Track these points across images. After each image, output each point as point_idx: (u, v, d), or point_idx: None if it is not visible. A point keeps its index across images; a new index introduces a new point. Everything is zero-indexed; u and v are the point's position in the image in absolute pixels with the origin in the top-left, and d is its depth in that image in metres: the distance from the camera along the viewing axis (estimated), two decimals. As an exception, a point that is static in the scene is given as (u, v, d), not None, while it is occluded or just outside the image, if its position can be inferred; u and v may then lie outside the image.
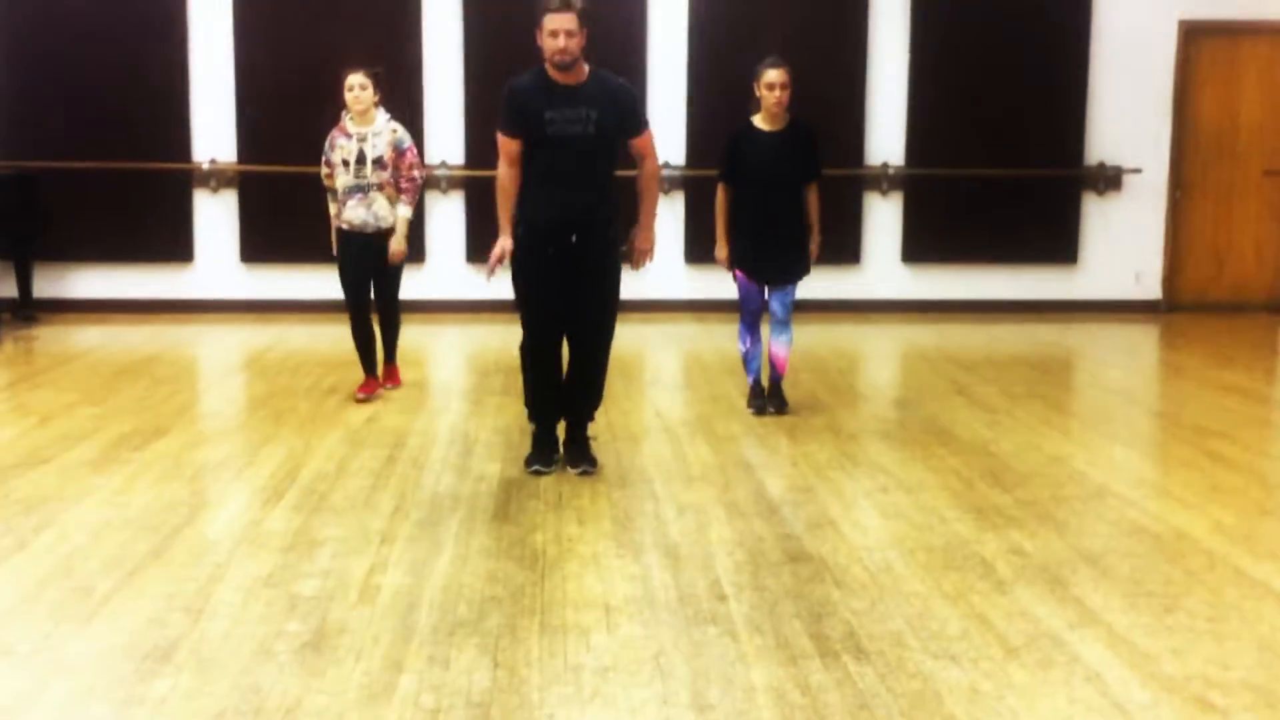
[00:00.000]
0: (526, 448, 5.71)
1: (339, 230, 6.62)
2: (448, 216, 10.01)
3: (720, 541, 4.43)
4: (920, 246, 10.27)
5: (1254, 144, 10.45)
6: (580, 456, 5.37)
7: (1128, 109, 10.24)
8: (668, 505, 4.87)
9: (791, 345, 6.50)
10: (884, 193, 10.22)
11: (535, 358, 5.32)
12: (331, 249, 6.75)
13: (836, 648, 3.52)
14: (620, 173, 5.29)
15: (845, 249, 10.17)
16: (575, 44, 4.97)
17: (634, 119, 5.21)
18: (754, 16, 9.72)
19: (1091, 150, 10.28)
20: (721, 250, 6.36)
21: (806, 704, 3.19)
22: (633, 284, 10.22)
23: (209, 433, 6.06)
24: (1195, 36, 10.26)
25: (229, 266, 9.95)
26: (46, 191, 9.60)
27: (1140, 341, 9.44)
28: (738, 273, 6.40)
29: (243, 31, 9.68)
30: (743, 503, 4.90)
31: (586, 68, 5.09)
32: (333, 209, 6.64)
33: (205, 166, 9.82)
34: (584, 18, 4.99)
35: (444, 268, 10.04)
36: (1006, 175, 10.13)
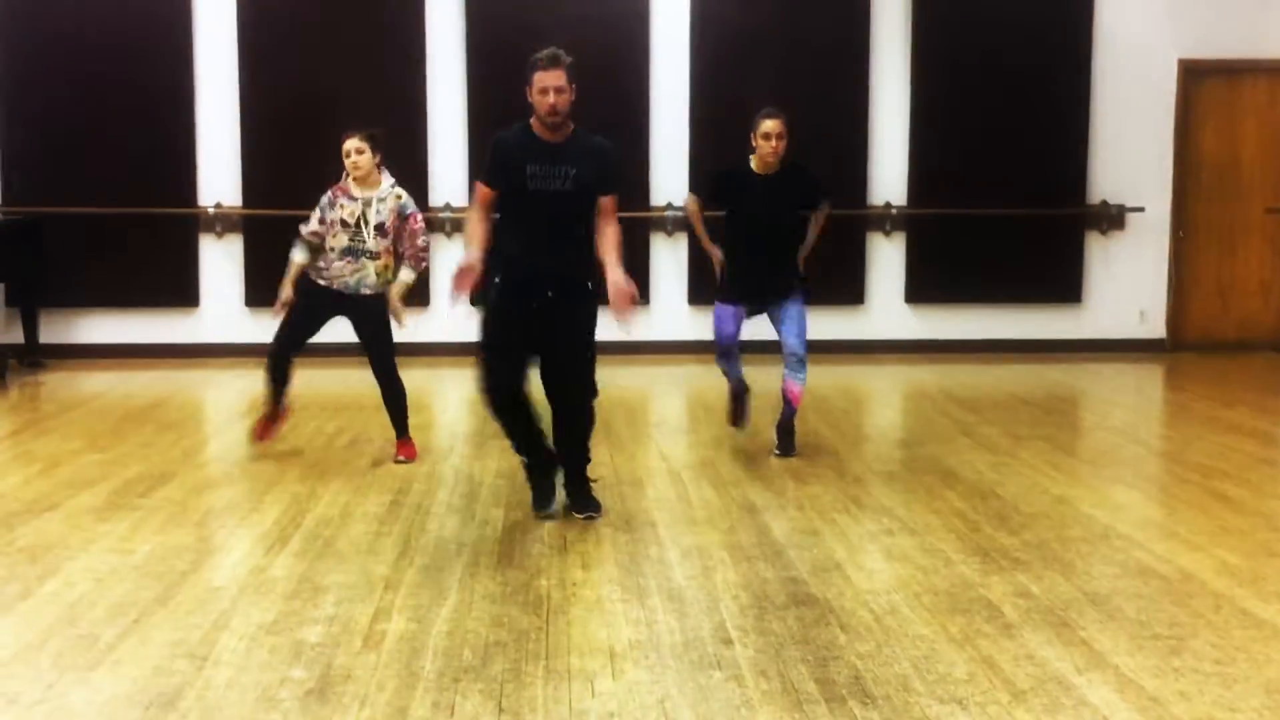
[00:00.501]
0: (530, 491, 5.73)
1: (310, 282, 6.28)
2: (452, 259, 9.98)
3: (725, 585, 4.42)
4: (923, 286, 10.30)
5: (1256, 182, 10.49)
6: (583, 503, 5.37)
7: (1130, 148, 10.29)
8: (672, 549, 4.87)
9: (806, 383, 6.50)
10: (887, 233, 10.26)
11: (498, 406, 5.32)
12: (279, 291, 6.35)
13: (843, 692, 3.50)
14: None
15: (849, 289, 10.21)
16: (564, 100, 5.04)
17: (609, 179, 5.20)
18: (755, 60, 9.80)
19: (1094, 189, 10.33)
20: (716, 253, 6.48)
21: (813, 750, 3.17)
22: (637, 325, 10.26)
23: (214, 478, 6.06)
24: (1195, 76, 10.32)
25: (234, 311, 9.99)
26: (52, 237, 9.66)
27: (1145, 381, 9.43)
28: (716, 307, 6.46)
29: (248, 77, 9.77)
30: (747, 546, 4.89)
31: (571, 125, 5.16)
32: (299, 255, 6.29)
33: (210, 211, 9.88)
34: (573, 74, 5.05)
35: (447, 311, 10.04)
36: (1009, 215, 10.17)
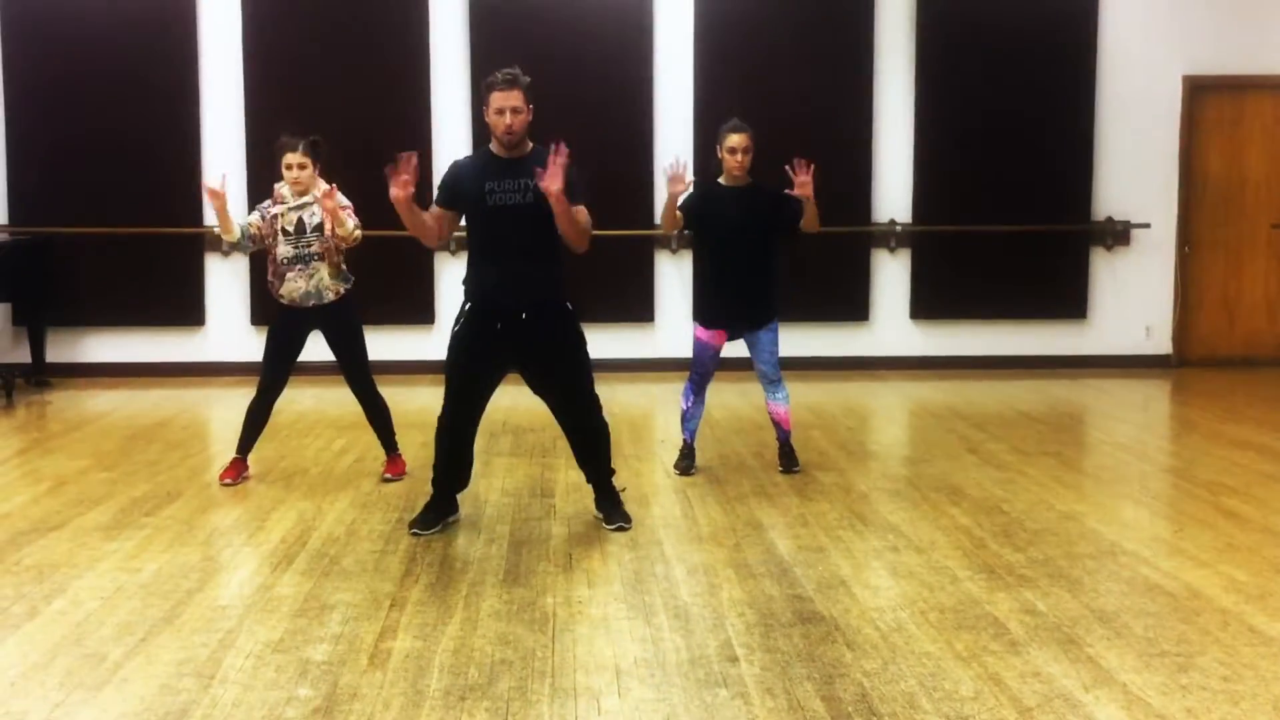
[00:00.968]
0: (537, 510, 5.74)
1: (278, 308, 6.22)
2: (456, 279, 10.03)
3: (731, 603, 4.41)
4: (929, 303, 10.30)
5: (1261, 198, 10.50)
6: (612, 515, 5.44)
7: (1134, 164, 10.30)
8: (678, 566, 4.86)
9: (789, 401, 6.51)
10: (892, 250, 10.27)
11: (451, 434, 5.36)
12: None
13: (849, 710, 3.50)
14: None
15: (854, 306, 10.22)
16: (520, 121, 5.09)
17: (572, 189, 5.15)
18: (760, 79, 9.82)
19: (1099, 205, 10.33)
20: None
21: (819, 768, 3.16)
22: (641, 344, 10.28)
23: (220, 497, 6.06)
24: (1200, 92, 10.34)
25: (240, 330, 10.02)
26: (59, 257, 9.70)
27: (1151, 397, 9.42)
28: (696, 331, 6.42)
29: (254, 96, 9.81)
30: (753, 563, 4.89)
31: (530, 144, 5.20)
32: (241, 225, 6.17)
33: (216, 230, 9.86)
34: (529, 94, 5.11)
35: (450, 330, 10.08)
36: (1014, 231, 10.17)
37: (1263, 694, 3.61)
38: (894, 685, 3.67)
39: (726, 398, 8.37)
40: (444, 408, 5.35)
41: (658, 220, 9.58)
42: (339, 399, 8.26)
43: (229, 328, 10.03)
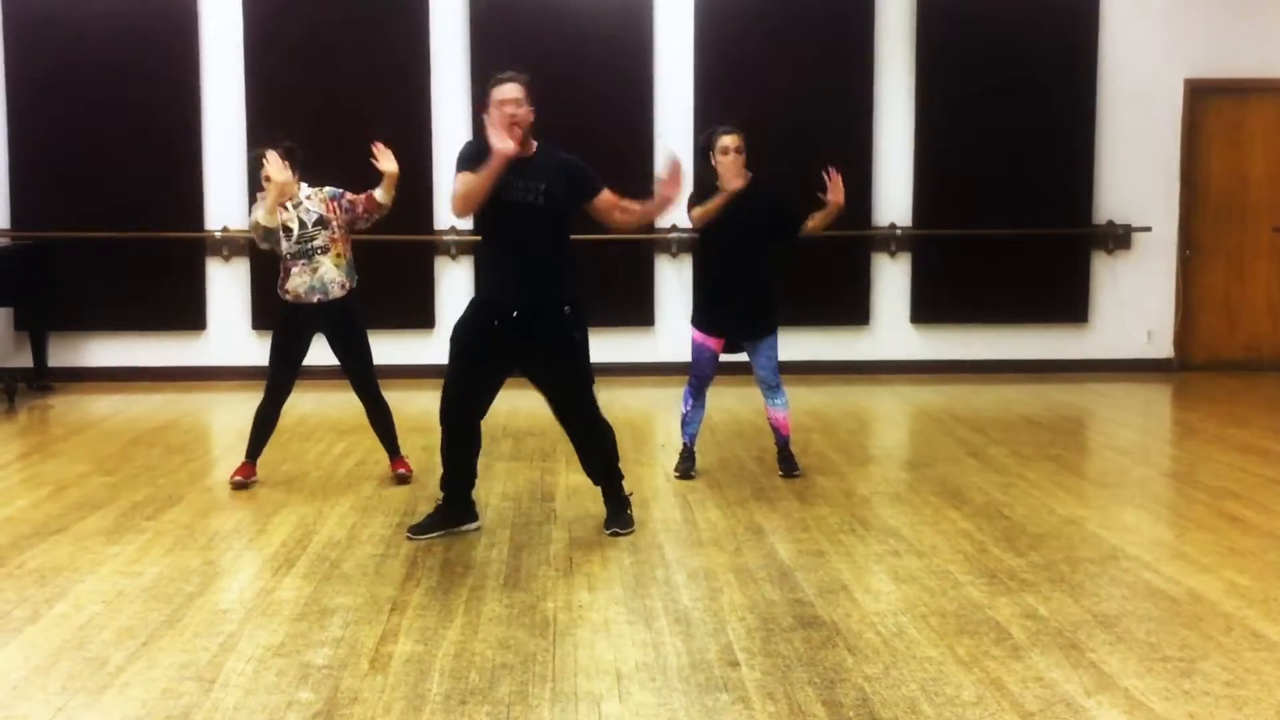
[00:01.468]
0: (538, 514, 5.74)
1: (284, 304, 6.21)
2: (457, 281, 10.07)
3: (732, 607, 4.41)
4: (929, 307, 10.30)
5: (1263, 201, 10.50)
6: (613, 518, 5.44)
7: (1136, 168, 10.31)
8: (679, 571, 4.86)
9: (789, 407, 6.51)
10: (892, 254, 10.28)
11: (453, 431, 5.33)
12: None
13: (850, 714, 3.49)
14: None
15: (854, 310, 10.22)
16: (524, 114, 5.06)
17: (586, 183, 5.22)
18: (759, 84, 9.82)
19: (1100, 209, 10.33)
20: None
21: (820, 773, 3.16)
22: (641, 348, 10.28)
23: (221, 501, 6.07)
24: (1202, 96, 10.34)
25: (241, 334, 10.02)
26: (60, 262, 9.70)
27: (1153, 401, 9.42)
28: (694, 334, 6.40)
29: (255, 100, 9.81)
30: (754, 567, 4.88)
31: (535, 142, 5.18)
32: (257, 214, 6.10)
33: (217, 235, 9.92)
34: (532, 91, 5.09)
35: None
36: (1015, 235, 10.17)
37: (1266, 699, 3.60)
38: (895, 690, 3.67)
39: (726, 402, 8.37)
40: (443, 402, 5.31)
41: (677, 231, 9.61)
42: (340, 403, 8.27)
43: (230, 332, 10.03)
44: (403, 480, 6.35)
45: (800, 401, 7.51)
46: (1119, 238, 10.35)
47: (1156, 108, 10.28)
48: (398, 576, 4.78)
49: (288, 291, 6.19)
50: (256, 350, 9.92)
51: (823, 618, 4.29)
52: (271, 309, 9.88)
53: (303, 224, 6.15)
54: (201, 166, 9.89)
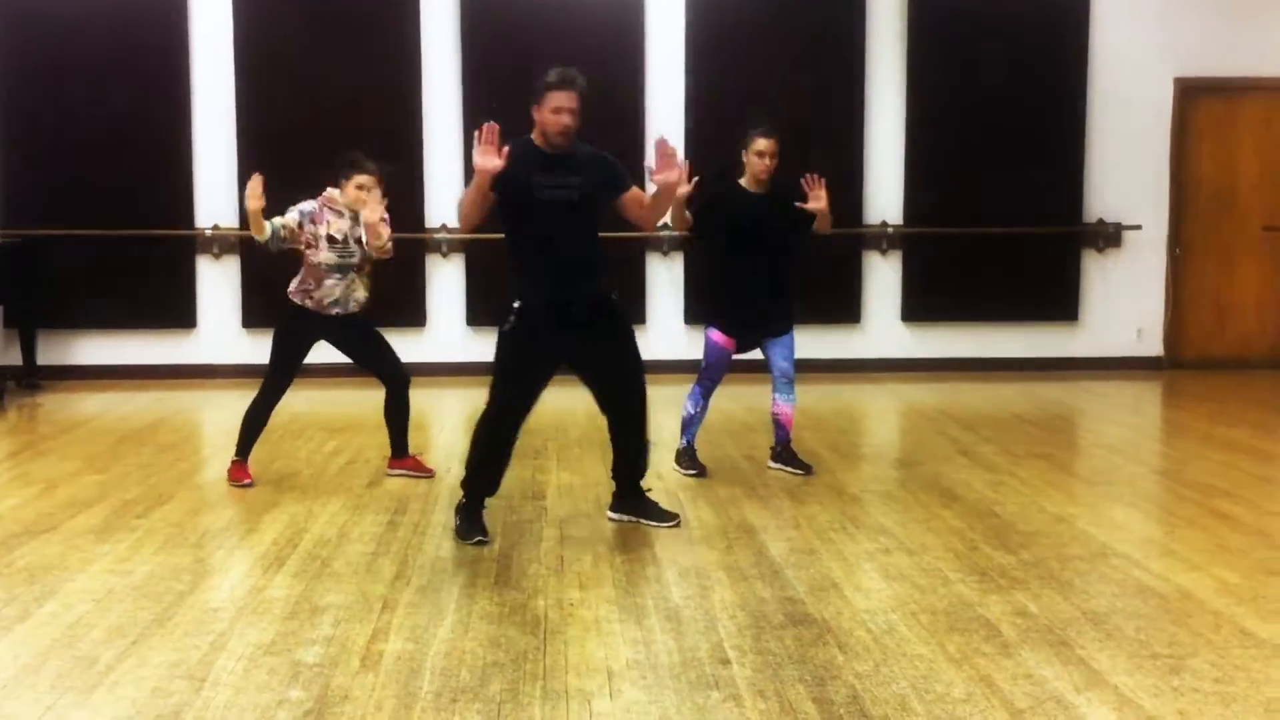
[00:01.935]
0: (528, 512, 5.73)
1: (299, 309, 6.17)
2: (448, 280, 10.07)
3: (723, 605, 4.41)
4: (920, 305, 10.32)
5: (1252, 200, 10.53)
6: (661, 511, 5.49)
7: (1126, 166, 10.33)
8: (670, 569, 4.86)
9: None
10: (883, 252, 10.29)
11: (500, 438, 5.28)
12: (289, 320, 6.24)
13: (840, 712, 3.50)
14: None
15: (845, 308, 10.24)
16: (576, 121, 5.08)
17: (619, 177, 5.28)
18: (751, 80, 9.83)
19: (1090, 207, 10.36)
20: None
21: (811, 770, 3.16)
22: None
23: (212, 499, 6.05)
24: (1191, 94, 10.37)
25: (231, 332, 10.01)
26: (50, 259, 9.68)
27: (1143, 399, 9.44)
28: (714, 335, 6.40)
29: (245, 99, 9.80)
30: (745, 566, 4.89)
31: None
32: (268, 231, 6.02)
33: (208, 232, 9.90)
34: (584, 97, 5.11)
35: (445, 331, 10.10)
36: (1006, 233, 10.19)
37: (1254, 696, 3.62)
38: (886, 687, 3.67)
39: (717, 400, 8.35)
40: (493, 409, 5.23)
41: (668, 229, 9.61)
42: (331, 401, 8.27)
43: (220, 330, 10.02)
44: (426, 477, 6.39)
45: (791, 399, 7.51)
46: (1109, 236, 10.38)
47: (1147, 106, 10.31)
48: (389, 575, 4.78)
49: (311, 298, 6.15)
50: (247, 348, 9.93)
51: (813, 615, 4.29)
52: (262, 307, 9.89)
53: (347, 237, 6.15)
54: (192, 164, 9.88)
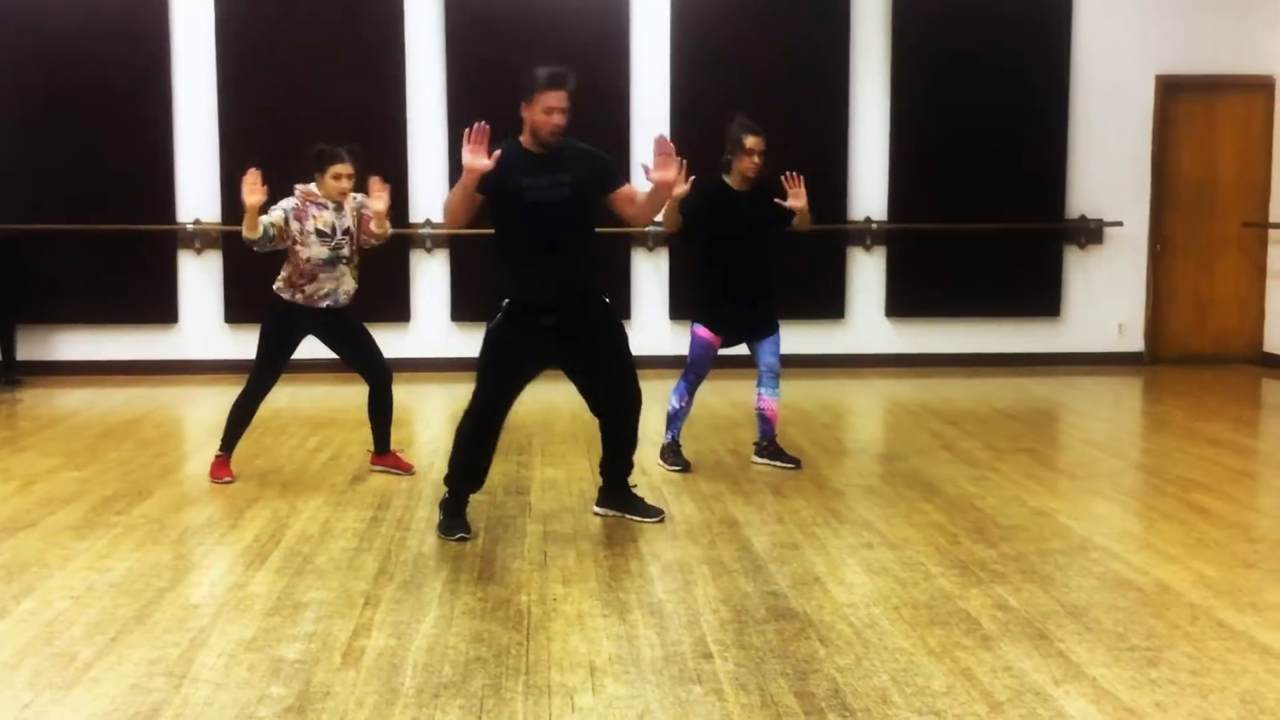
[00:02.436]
0: (512, 507, 5.73)
1: (287, 304, 6.12)
2: (432, 275, 10.06)
3: (706, 599, 4.42)
4: (904, 301, 10.34)
5: (1232, 196, 10.58)
6: (647, 506, 5.50)
7: (1107, 163, 10.37)
8: (653, 564, 4.87)
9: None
10: (867, 248, 10.31)
11: (483, 433, 5.26)
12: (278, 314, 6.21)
13: (822, 705, 3.51)
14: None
15: (829, 304, 10.26)
16: (565, 120, 5.07)
17: (612, 174, 5.27)
18: (736, 76, 9.83)
19: (1072, 204, 10.40)
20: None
21: (792, 764, 3.17)
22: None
23: (193, 495, 6.03)
24: (1172, 91, 10.41)
25: (213, 327, 9.97)
26: (30, 254, 9.64)
27: (1123, 394, 9.48)
28: (700, 332, 6.41)
29: (226, 92, 9.76)
30: (728, 560, 4.90)
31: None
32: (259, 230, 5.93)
33: (189, 227, 9.86)
34: (573, 94, 5.10)
35: (429, 327, 10.09)
36: (989, 229, 10.22)
37: (1230, 687, 3.64)
38: (867, 680, 3.68)
39: (701, 395, 8.36)
40: (476, 407, 5.22)
41: (654, 225, 9.60)
42: (313, 397, 8.25)
43: (202, 326, 9.98)
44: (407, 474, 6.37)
45: (774, 395, 7.52)
46: (1091, 232, 10.42)
47: (1128, 104, 10.35)
48: (371, 571, 4.77)
49: (301, 293, 6.11)
50: (229, 344, 9.90)
51: (796, 609, 4.30)
52: (245, 302, 9.86)
53: (336, 230, 6.11)
54: (173, 158, 9.84)
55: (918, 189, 10.19)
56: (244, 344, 9.88)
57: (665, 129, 9.81)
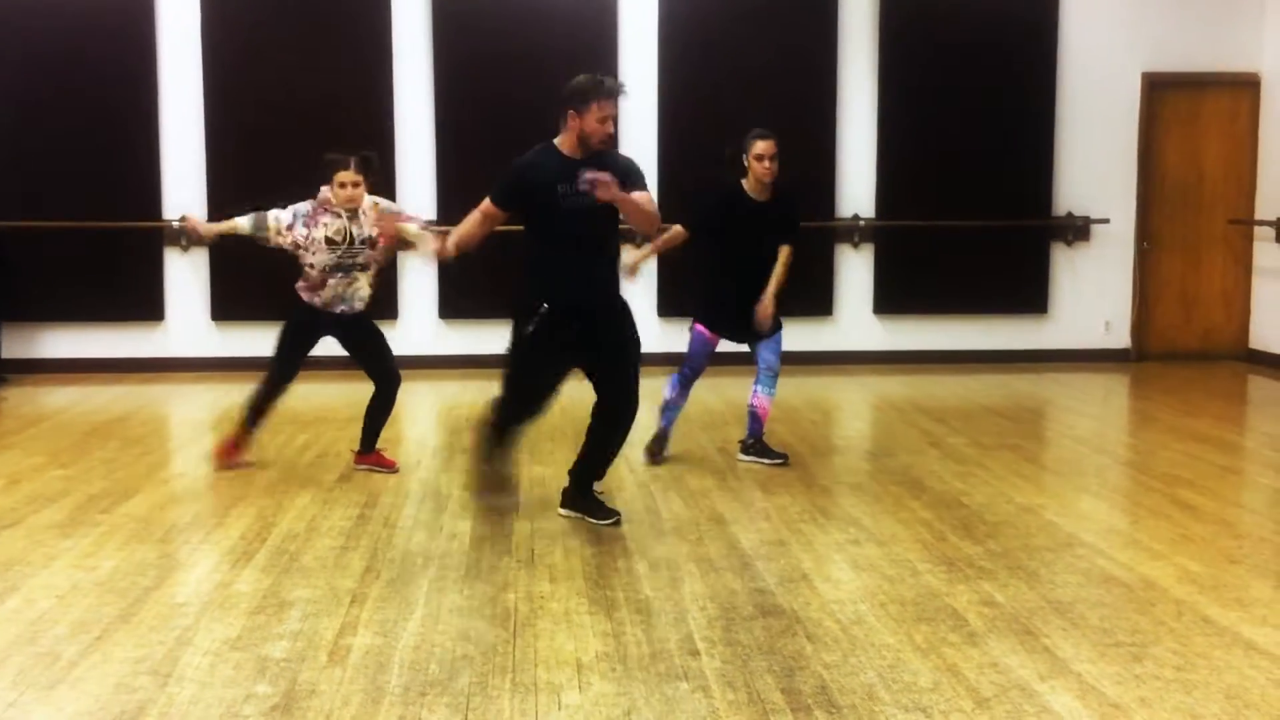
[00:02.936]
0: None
1: (307, 305, 6.20)
2: (420, 273, 10.03)
3: (693, 596, 4.42)
4: (892, 298, 10.35)
5: (1218, 193, 10.61)
6: (605, 510, 5.46)
7: (1094, 160, 10.40)
8: (640, 561, 4.87)
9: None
10: (855, 245, 10.32)
11: (515, 432, 5.36)
12: (197, 227, 6.45)
13: (809, 702, 3.51)
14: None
15: (817, 301, 10.25)
16: (611, 131, 5.16)
17: (636, 177, 5.24)
18: (724, 74, 9.83)
19: (1059, 201, 10.42)
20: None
21: (778, 760, 3.17)
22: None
23: (178, 493, 6.02)
24: (1159, 89, 10.43)
25: (199, 325, 9.94)
26: (15, 251, 9.59)
27: (1110, 390, 9.51)
28: (703, 331, 6.42)
29: (212, 89, 9.72)
30: (715, 557, 4.90)
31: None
32: (245, 224, 6.13)
33: (175, 224, 9.82)
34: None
35: (417, 324, 10.06)
36: (976, 226, 10.23)
37: (1215, 683, 3.65)
38: (853, 677, 3.69)
39: (694, 391, 8.37)
40: (505, 409, 5.27)
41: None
42: (302, 394, 8.20)
43: (188, 323, 9.95)
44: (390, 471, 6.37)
45: (762, 392, 7.52)
46: (1078, 229, 10.44)
47: (1115, 101, 10.37)
48: (357, 568, 4.76)
49: (318, 297, 6.18)
50: (216, 341, 9.87)
51: (783, 606, 4.31)
52: (231, 300, 9.84)
53: (353, 239, 6.13)
54: (159, 155, 9.79)
55: (906, 186, 10.20)
56: (230, 342, 9.90)
57: (652, 125, 9.83)
